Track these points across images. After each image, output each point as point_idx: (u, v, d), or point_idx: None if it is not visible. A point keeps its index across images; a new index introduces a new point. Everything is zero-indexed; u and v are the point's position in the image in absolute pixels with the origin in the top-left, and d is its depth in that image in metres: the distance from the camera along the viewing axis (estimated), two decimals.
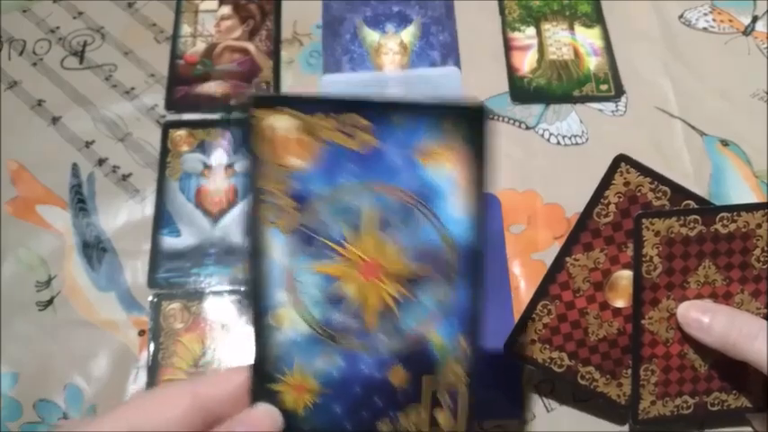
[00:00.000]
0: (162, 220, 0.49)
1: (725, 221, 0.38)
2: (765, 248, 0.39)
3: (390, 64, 0.55)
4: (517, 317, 0.40)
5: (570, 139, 0.52)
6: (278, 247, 0.29)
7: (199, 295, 0.47)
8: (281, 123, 0.28)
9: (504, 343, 0.40)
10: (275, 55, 0.55)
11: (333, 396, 0.30)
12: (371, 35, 0.56)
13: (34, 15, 0.58)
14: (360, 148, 0.28)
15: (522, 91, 0.54)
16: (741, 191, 0.49)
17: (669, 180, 0.39)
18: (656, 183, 0.38)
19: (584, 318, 0.40)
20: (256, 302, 0.30)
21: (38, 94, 0.54)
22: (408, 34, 0.56)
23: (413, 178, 0.28)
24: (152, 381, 0.44)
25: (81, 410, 0.43)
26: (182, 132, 0.52)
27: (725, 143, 0.51)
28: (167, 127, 0.52)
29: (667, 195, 0.39)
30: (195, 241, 0.48)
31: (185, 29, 0.56)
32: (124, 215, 0.49)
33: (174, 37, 0.56)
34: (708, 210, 0.38)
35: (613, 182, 0.38)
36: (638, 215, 0.38)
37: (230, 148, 0.51)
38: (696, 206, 0.39)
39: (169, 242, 0.48)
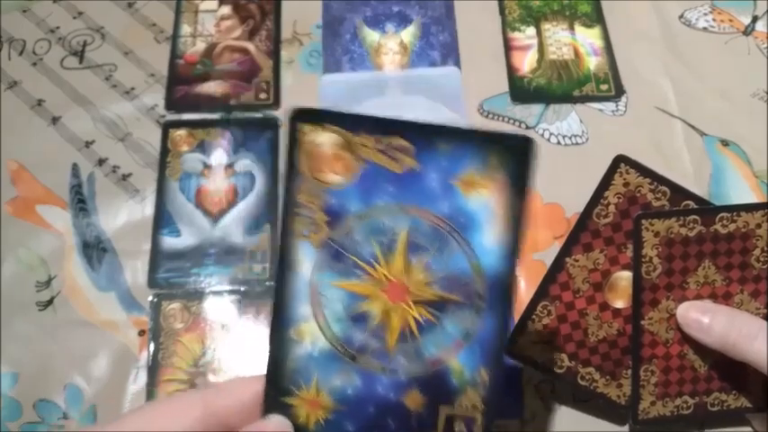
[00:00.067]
0: (162, 220, 0.49)
1: (724, 222, 0.38)
2: (765, 248, 0.39)
3: (390, 64, 0.55)
4: (517, 317, 0.40)
5: (570, 138, 0.52)
6: (307, 261, 0.29)
7: (199, 295, 0.47)
8: (323, 139, 0.28)
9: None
10: (275, 55, 0.55)
11: (346, 414, 0.30)
12: (371, 35, 0.56)
13: (34, 15, 0.57)
14: (399, 170, 0.28)
15: (522, 91, 0.54)
16: (741, 191, 0.49)
17: (669, 180, 0.39)
18: (655, 183, 0.38)
19: (583, 319, 0.40)
20: (279, 314, 0.30)
21: (38, 94, 0.54)
22: (408, 34, 0.56)
23: (449, 205, 0.28)
24: (152, 381, 0.44)
25: (81, 410, 0.43)
26: (182, 132, 0.52)
27: (725, 143, 0.51)
28: (167, 127, 0.52)
29: (667, 196, 0.39)
30: (195, 241, 0.48)
31: (185, 29, 0.56)
32: (124, 215, 0.49)
33: (174, 37, 0.56)
34: (707, 210, 0.38)
35: (613, 182, 0.38)
36: (637, 216, 0.38)
37: (230, 148, 0.51)
38: (696, 206, 0.39)
39: (169, 242, 0.48)
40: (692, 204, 0.39)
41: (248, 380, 0.30)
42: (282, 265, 0.29)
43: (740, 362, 0.37)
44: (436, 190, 0.28)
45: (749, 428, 0.42)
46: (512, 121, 0.52)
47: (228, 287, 0.47)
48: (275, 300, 0.30)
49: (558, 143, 0.51)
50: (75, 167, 0.51)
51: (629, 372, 0.40)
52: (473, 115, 0.53)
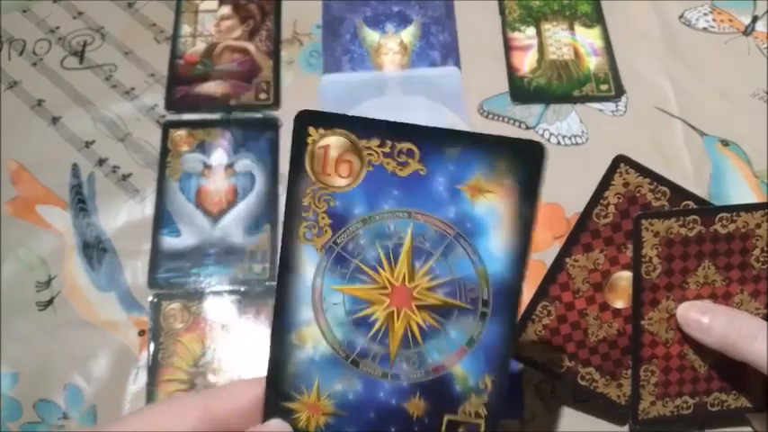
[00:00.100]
0: (162, 220, 0.49)
1: (724, 222, 0.38)
2: (765, 248, 0.39)
3: (390, 64, 0.55)
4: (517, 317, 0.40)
5: (570, 139, 0.52)
6: (310, 265, 0.29)
7: (199, 295, 0.47)
8: (329, 142, 0.28)
9: None
10: (275, 55, 0.55)
11: (347, 419, 0.30)
12: (371, 35, 0.56)
13: (34, 15, 0.58)
14: (405, 175, 0.28)
15: (522, 91, 0.54)
16: (741, 191, 0.49)
17: (668, 180, 0.39)
18: (655, 183, 0.38)
19: (583, 319, 0.40)
20: (281, 318, 0.30)
21: (38, 94, 0.54)
22: (408, 34, 0.56)
23: (455, 210, 0.28)
24: (152, 381, 0.44)
25: (81, 410, 0.43)
26: (182, 132, 0.52)
27: (725, 143, 0.51)
28: (167, 127, 0.52)
29: (666, 196, 0.39)
30: (195, 241, 0.48)
31: (185, 29, 0.56)
32: (124, 215, 0.49)
33: (174, 37, 0.56)
34: (707, 210, 0.38)
35: (612, 182, 0.38)
36: (637, 216, 0.38)
37: (230, 148, 0.51)
38: (695, 206, 0.39)
39: (169, 242, 0.48)
40: (691, 204, 0.39)
41: (249, 383, 0.30)
42: (284, 268, 0.29)
43: (740, 362, 0.37)
44: (442, 195, 0.28)
45: (749, 428, 0.42)
46: (512, 122, 0.52)
47: (228, 287, 0.47)
48: (276, 303, 0.30)
49: (558, 143, 0.51)
50: (75, 167, 0.51)
51: (629, 372, 0.40)
52: (473, 115, 0.53)
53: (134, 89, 0.54)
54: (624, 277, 0.39)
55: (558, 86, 0.54)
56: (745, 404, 0.41)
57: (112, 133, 0.52)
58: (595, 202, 0.39)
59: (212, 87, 0.54)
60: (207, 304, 0.46)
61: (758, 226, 0.38)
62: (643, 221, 0.38)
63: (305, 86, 0.54)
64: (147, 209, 0.49)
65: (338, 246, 0.29)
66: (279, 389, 0.30)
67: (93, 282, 0.47)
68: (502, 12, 0.57)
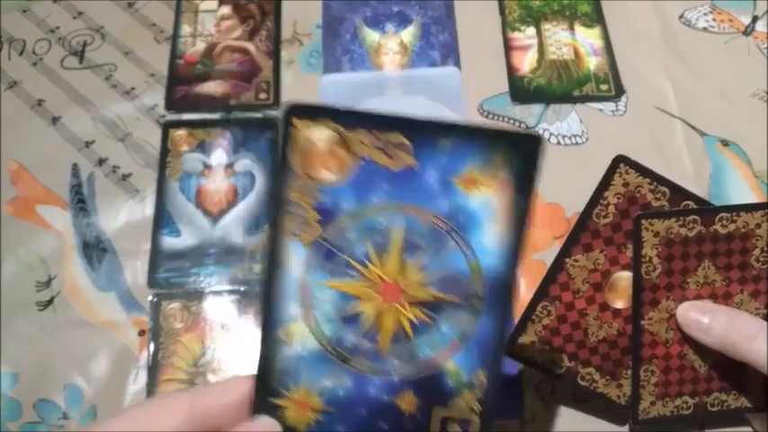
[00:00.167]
0: (162, 220, 0.49)
1: (724, 222, 0.38)
2: (765, 248, 0.39)
3: (390, 64, 0.55)
4: (517, 317, 0.40)
5: (570, 138, 0.52)
6: (297, 261, 0.29)
7: (199, 295, 0.47)
8: (319, 135, 0.27)
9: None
10: (275, 55, 0.55)
11: (337, 416, 0.29)
12: (371, 35, 0.56)
13: (34, 15, 0.58)
14: (396, 168, 0.27)
15: (522, 91, 0.53)
16: (741, 191, 0.49)
17: (668, 180, 0.39)
18: (655, 183, 0.38)
19: (583, 319, 0.40)
20: (268, 314, 0.29)
21: (38, 94, 0.54)
22: (408, 34, 0.56)
23: (448, 203, 0.28)
24: (152, 381, 0.44)
25: (81, 410, 0.43)
26: (182, 132, 0.52)
27: (725, 143, 0.51)
28: (167, 127, 0.52)
29: (666, 196, 0.39)
30: (195, 241, 0.48)
31: (185, 29, 0.56)
32: (124, 215, 0.49)
33: (174, 37, 0.56)
34: (707, 210, 0.38)
35: (612, 183, 0.38)
36: (637, 216, 0.38)
37: (230, 148, 0.51)
38: (695, 207, 0.39)
39: (169, 242, 0.48)
40: (691, 204, 0.39)
41: (237, 380, 0.30)
42: (271, 264, 0.29)
43: (740, 362, 0.37)
44: (435, 188, 0.28)
45: (749, 428, 0.42)
46: (512, 121, 0.52)
47: (228, 287, 0.47)
48: (263, 299, 0.29)
49: (558, 143, 0.51)
50: (75, 167, 0.51)
51: (629, 372, 0.40)
52: (473, 115, 0.53)
53: (134, 89, 0.54)
54: (624, 277, 0.39)
55: (558, 86, 0.54)
56: (745, 404, 0.41)
57: (112, 133, 0.52)
58: (595, 202, 0.39)
59: (212, 87, 0.54)
60: (207, 304, 0.46)
61: (758, 226, 0.38)
62: (643, 221, 0.38)
63: (305, 86, 0.54)
64: (147, 209, 0.49)
65: (326, 241, 0.28)
66: (267, 385, 0.29)
67: (93, 282, 0.47)
68: (502, 12, 0.57)
